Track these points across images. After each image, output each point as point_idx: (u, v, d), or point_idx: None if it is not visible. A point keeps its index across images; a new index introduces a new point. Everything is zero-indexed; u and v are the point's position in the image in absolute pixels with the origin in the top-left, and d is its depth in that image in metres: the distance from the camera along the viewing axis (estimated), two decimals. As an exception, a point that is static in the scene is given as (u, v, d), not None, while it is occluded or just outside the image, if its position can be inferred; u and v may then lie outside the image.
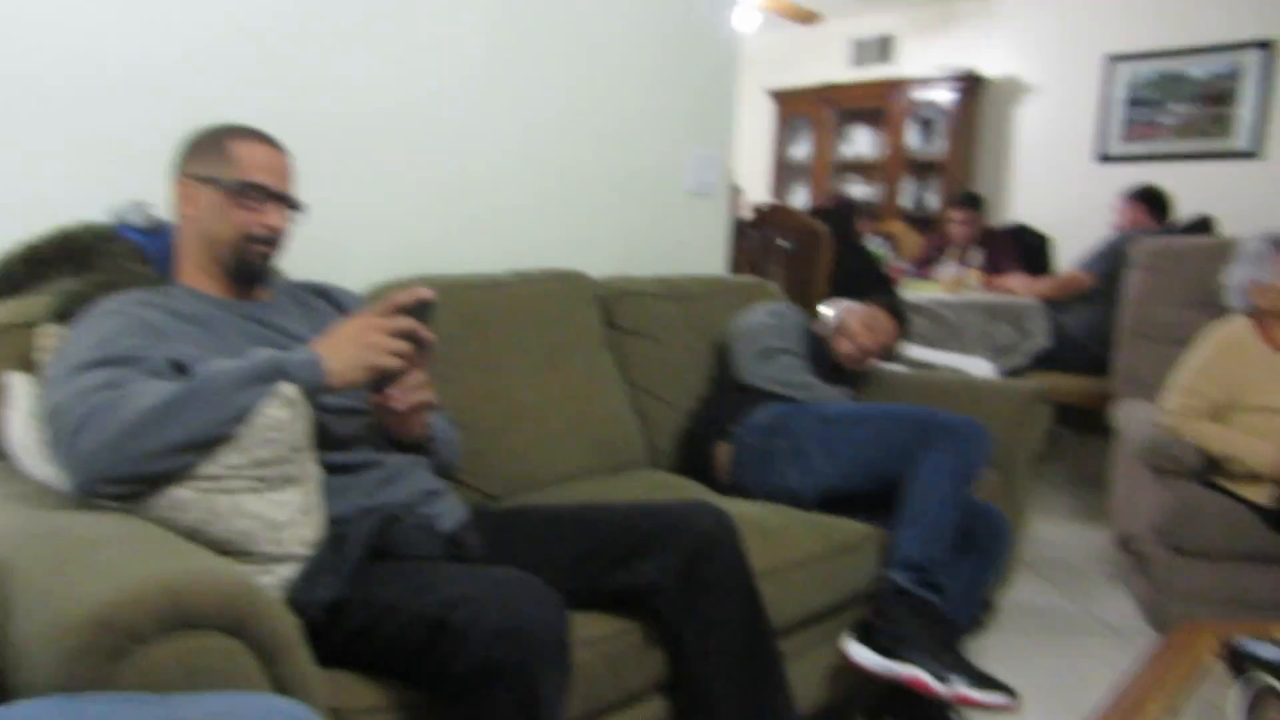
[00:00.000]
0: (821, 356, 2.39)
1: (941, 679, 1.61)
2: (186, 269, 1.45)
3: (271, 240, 1.43)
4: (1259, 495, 2.27)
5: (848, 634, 1.74)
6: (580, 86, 2.48)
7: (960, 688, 1.60)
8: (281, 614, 0.98)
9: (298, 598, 1.17)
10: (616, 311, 2.34)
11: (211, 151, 1.41)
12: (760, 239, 3.66)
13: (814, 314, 2.62)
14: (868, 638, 1.71)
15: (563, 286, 2.24)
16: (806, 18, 5.07)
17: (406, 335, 1.27)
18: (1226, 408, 2.38)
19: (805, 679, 1.71)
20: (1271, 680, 1.33)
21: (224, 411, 1.15)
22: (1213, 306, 2.73)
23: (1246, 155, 4.79)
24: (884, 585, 1.76)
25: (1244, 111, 4.79)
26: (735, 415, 2.15)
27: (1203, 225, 3.92)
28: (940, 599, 1.74)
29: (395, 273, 1.99)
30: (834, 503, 1.93)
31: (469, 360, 1.96)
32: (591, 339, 2.24)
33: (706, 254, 2.91)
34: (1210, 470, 2.37)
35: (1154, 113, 5.05)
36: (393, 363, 1.26)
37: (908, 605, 1.71)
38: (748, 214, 3.75)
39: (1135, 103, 5.11)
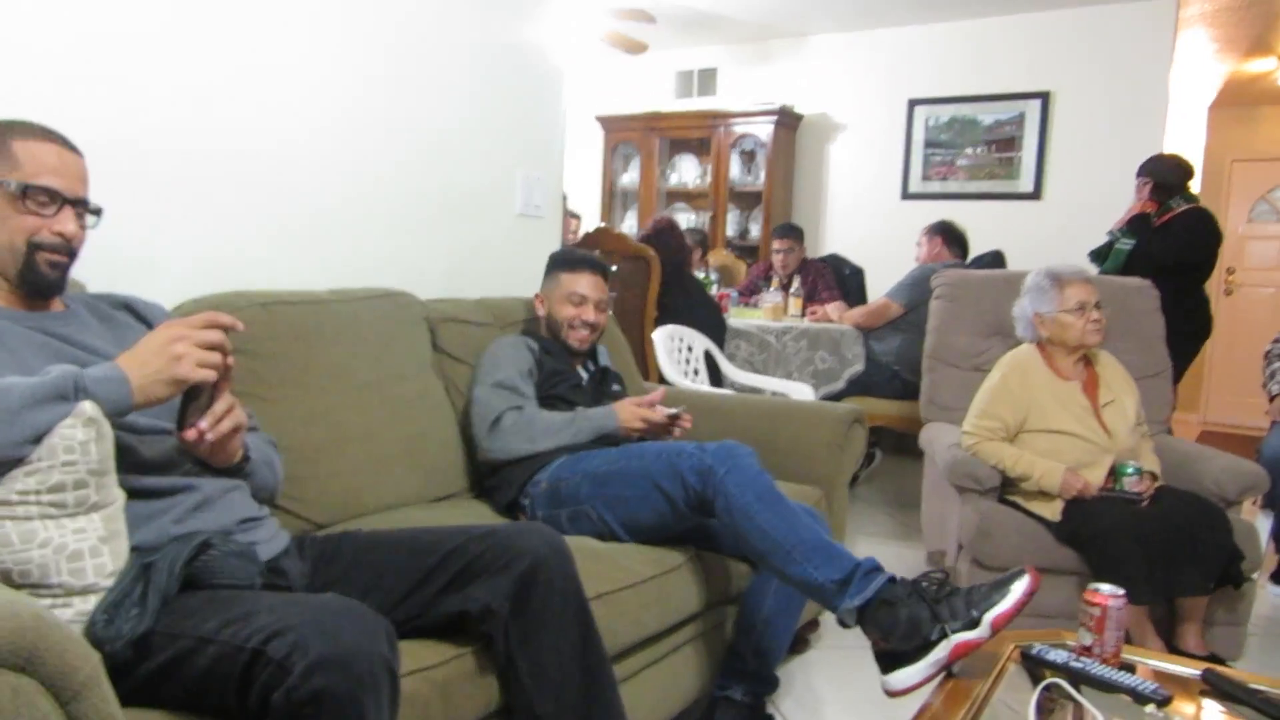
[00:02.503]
0: (564, 361, 2.29)
1: (970, 625, 1.53)
2: (-32, 279, 1.31)
3: (63, 249, 1.31)
4: (1049, 511, 2.47)
5: (883, 676, 1.61)
6: (409, 104, 2.44)
7: (987, 613, 1.53)
8: (79, 649, 0.89)
9: (98, 632, 1.07)
10: (442, 336, 2.29)
11: None
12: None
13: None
14: (896, 661, 1.59)
15: (390, 306, 2.17)
16: (634, 47, 5.18)
17: (216, 349, 1.20)
18: (1019, 430, 2.58)
19: (640, 701, 1.72)
20: (1062, 683, 1.45)
21: (14, 432, 1.05)
22: (1006, 335, 2.96)
23: (1030, 196, 5.27)
24: (848, 620, 1.67)
25: (1027, 156, 5.27)
26: (515, 485, 2.03)
27: (995, 259, 4.27)
28: (883, 579, 1.67)
29: (210, 288, 1.87)
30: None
31: (292, 380, 1.86)
32: (420, 362, 2.18)
33: (534, 277, 2.88)
34: (1007, 488, 2.57)
35: (950, 154, 5.48)
36: (202, 375, 1.18)
37: (879, 610, 1.62)
38: (571, 232, 3.78)
39: (934, 145, 5.52)
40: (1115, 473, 2.46)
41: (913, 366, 3.66)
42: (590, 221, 5.97)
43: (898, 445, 4.76)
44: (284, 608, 1.10)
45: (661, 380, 3.49)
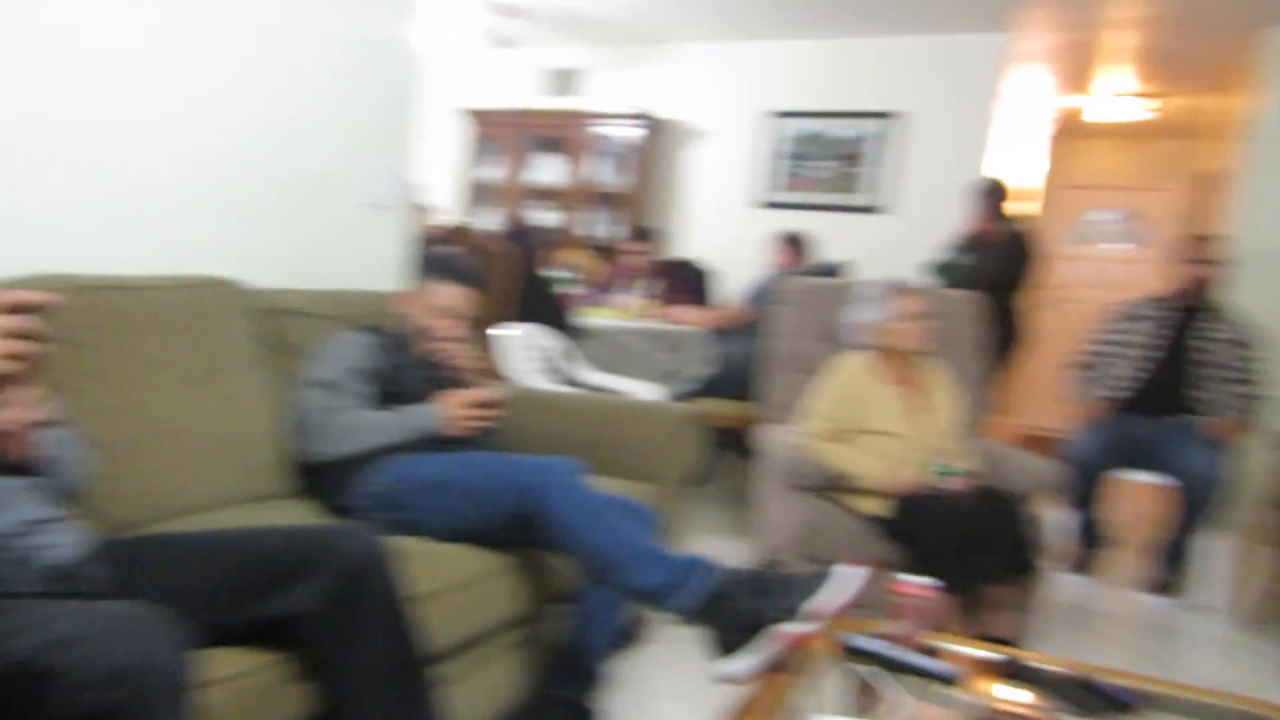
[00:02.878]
0: (412, 359, 2.21)
1: (798, 617, 1.59)
2: None
3: None
4: (873, 508, 2.61)
5: (713, 665, 1.65)
6: (250, 83, 2.35)
7: (814, 604, 1.60)
8: None
9: None
10: (275, 327, 2.21)
11: None
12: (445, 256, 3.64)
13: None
14: (727, 651, 1.63)
15: (211, 296, 2.07)
16: (502, 42, 5.14)
17: (22, 337, 1.11)
18: (848, 431, 2.71)
19: (469, 701, 1.72)
20: (874, 669, 1.55)
21: None
22: (841, 341, 3.10)
23: (875, 210, 5.53)
24: (682, 619, 1.69)
25: (873, 172, 5.52)
26: (342, 487, 1.99)
27: (832, 269, 4.47)
28: (712, 575, 1.70)
29: (19, 269, 1.75)
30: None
31: (106, 372, 1.76)
32: (243, 355, 2.09)
33: (380, 269, 2.84)
34: (835, 487, 2.70)
35: (803, 167, 5.68)
36: (5, 367, 1.11)
37: (711, 604, 1.66)
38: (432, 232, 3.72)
39: (789, 156, 5.71)
40: (931, 470, 2.62)
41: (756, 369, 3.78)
42: (448, 215, 5.87)
43: (739, 445, 4.89)
44: (68, 618, 1.04)
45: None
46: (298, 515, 1.94)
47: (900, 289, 2.75)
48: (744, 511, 4.02)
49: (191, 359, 1.94)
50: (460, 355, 2.26)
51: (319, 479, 2.05)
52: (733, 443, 4.27)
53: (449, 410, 2.11)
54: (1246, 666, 2.82)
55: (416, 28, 2.87)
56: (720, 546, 3.40)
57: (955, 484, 2.60)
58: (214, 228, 2.31)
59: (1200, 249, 3.46)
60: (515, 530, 1.82)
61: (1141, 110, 6.41)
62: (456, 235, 3.75)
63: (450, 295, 2.25)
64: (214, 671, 1.22)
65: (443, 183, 6.43)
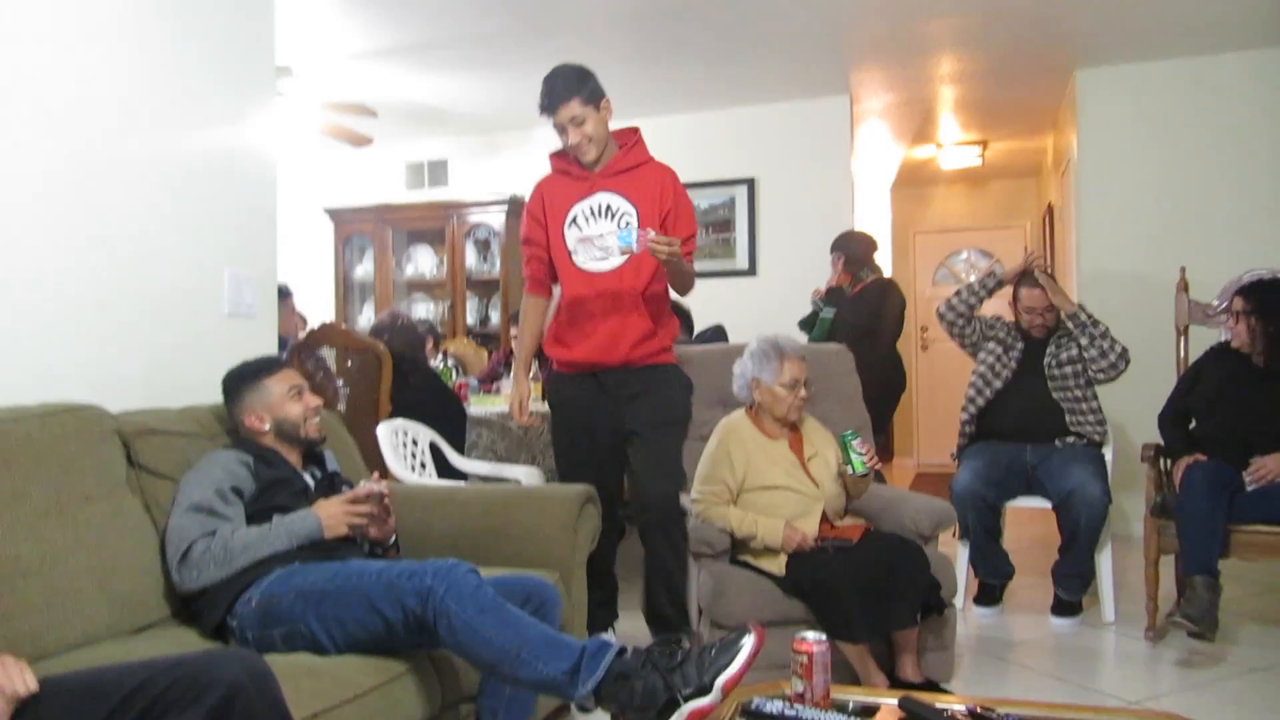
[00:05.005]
0: (286, 469, 2.18)
1: (702, 691, 1.59)
2: None
3: None
4: (775, 566, 2.61)
5: None
6: (99, 202, 2.28)
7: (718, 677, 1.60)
8: None
9: None
10: (141, 450, 2.11)
11: None
12: (315, 360, 3.55)
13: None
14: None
15: (74, 422, 1.97)
16: (359, 141, 5.13)
17: None
18: (739, 490, 2.73)
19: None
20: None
21: None
22: (730, 405, 3.12)
23: (746, 273, 5.69)
24: (586, 704, 1.67)
25: (740, 236, 5.71)
26: (220, 607, 1.89)
27: (717, 333, 4.55)
28: (611, 655, 1.68)
29: None
30: None
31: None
32: (111, 481, 1.99)
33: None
34: (737, 549, 2.70)
35: (675, 237, 5.80)
36: None
37: (613, 685, 1.63)
38: (299, 331, 3.64)
39: (660, 228, 5.83)
40: (842, 444, 2.64)
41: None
42: (318, 315, 5.75)
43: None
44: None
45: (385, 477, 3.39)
46: (178, 643, 1.82)
47: (792, 354, 2.76)
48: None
49: (49, 490, 1.84)
50: (319, 429, 2.26)
51: (196, 602, 1.94)
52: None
53: (330, 510, 2.05)
54: (1162, 678, 2.91)
55: (273, 134, 2.84)
56: (630, 620, 3.35)
57: (848, 532, 2.64)
58: (74, 351, 2.22)
59: (1028, 277, 3.64)
60: (411, 634, 1.75)
61: (976, 156, 6.85)
62: (334, 336, 3.67)
63: (284, 378, 2.24)
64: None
65: (314, 283, 6.31)
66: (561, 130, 2.83)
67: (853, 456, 2.62)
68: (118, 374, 2.32)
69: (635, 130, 3.00)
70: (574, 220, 2.88)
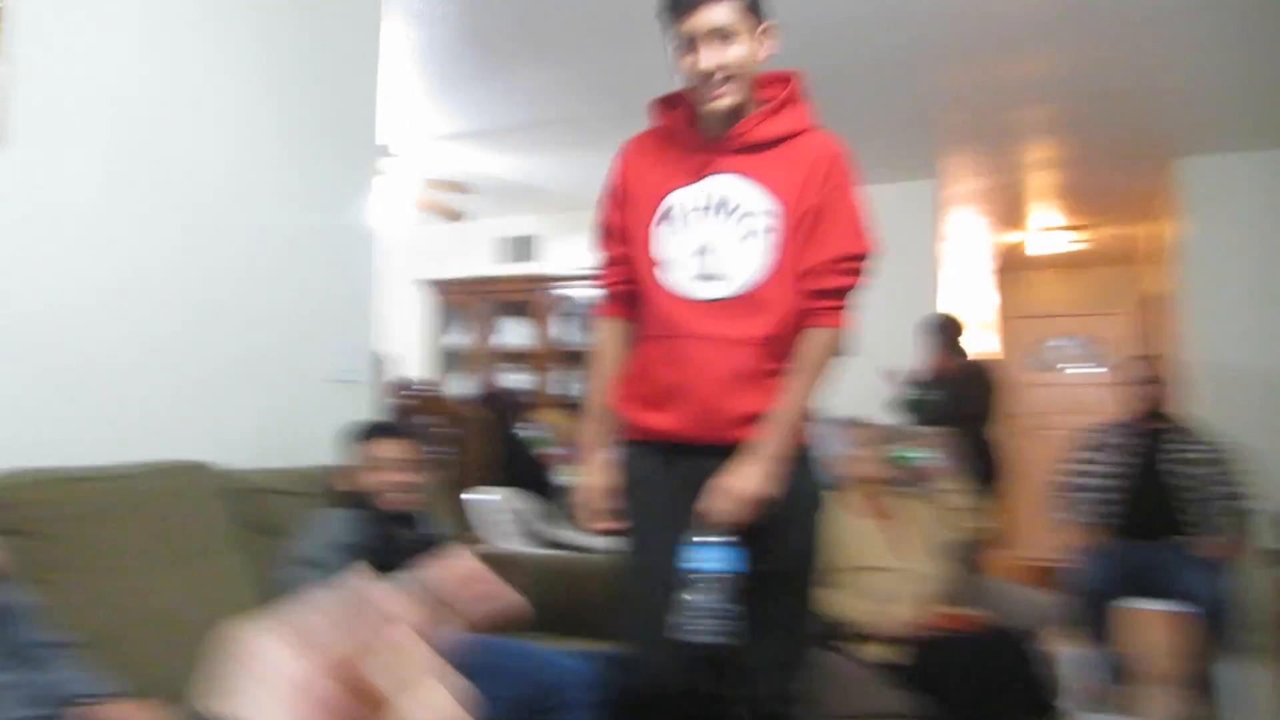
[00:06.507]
0: (385, 530, 2.15)
1: None
2: None
3: None
4: (880, 654, 2.46)
5: None
6: (208, 267, 2.38)
7: None
8: None
9: None
10: (246, 509, 2.16)
11: None
12: (419, 426, 3.62)
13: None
14: None
15: (185, 479, 2.05)
16: (453, 216, 5.31)
17: None
18: (837, 572, 2.60)
19: None
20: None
21: None
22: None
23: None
24: None
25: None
26: None
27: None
28: None
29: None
30: None
31: (78, 563, 1.72)
32: (219, 538, 2.05)
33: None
34: (836, 635, 2.58)
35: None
36: None
37: None
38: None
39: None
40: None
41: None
42: (427, 384, 5.87)
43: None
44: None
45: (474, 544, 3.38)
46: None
47: (852, 422, 2.74)
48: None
49: (169, 544, 1.90)
50: (416, 501, 2.23)
51: None
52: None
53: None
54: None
55: (372, 208, 2.94)
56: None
57: (964, 622, 2.52)
58: (184, 411, 2.29)
59: (1145, 370, 3.53)
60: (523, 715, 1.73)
61: (1071, 243, 6.73)
62: (430, 404, 3.73)
63: (376, 448, 2.21)
64: None
65: (412, 352, 6.47)
66: (688, 47, 1.71)
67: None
68: (225, 435, 2.39)
69: (791, 77, 1.84)
70: (669, 213, 1.81)
